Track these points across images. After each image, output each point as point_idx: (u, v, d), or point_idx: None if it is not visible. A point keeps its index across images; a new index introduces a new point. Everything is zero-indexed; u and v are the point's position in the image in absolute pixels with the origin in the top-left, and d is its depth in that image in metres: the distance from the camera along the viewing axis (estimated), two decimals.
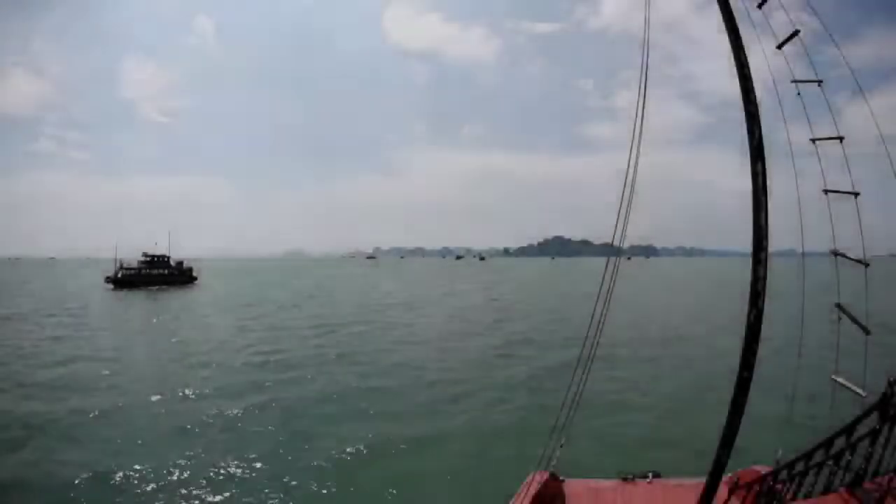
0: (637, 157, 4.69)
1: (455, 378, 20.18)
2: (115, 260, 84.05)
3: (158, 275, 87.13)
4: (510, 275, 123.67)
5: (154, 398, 17.76)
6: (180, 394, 18.22)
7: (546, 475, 6.48)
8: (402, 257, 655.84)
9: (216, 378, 20.43)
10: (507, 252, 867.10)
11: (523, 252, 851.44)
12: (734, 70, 4.07)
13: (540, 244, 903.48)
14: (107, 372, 21.93)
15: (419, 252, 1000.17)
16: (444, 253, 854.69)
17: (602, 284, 4.87)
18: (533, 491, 6.22)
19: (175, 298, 61.88)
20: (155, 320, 40.71)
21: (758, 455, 5.95)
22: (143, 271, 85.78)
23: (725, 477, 5.02)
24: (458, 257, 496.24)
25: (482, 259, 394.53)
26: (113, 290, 77.32)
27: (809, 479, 4.67)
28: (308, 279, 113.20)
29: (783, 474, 4.92)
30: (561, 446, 6.35)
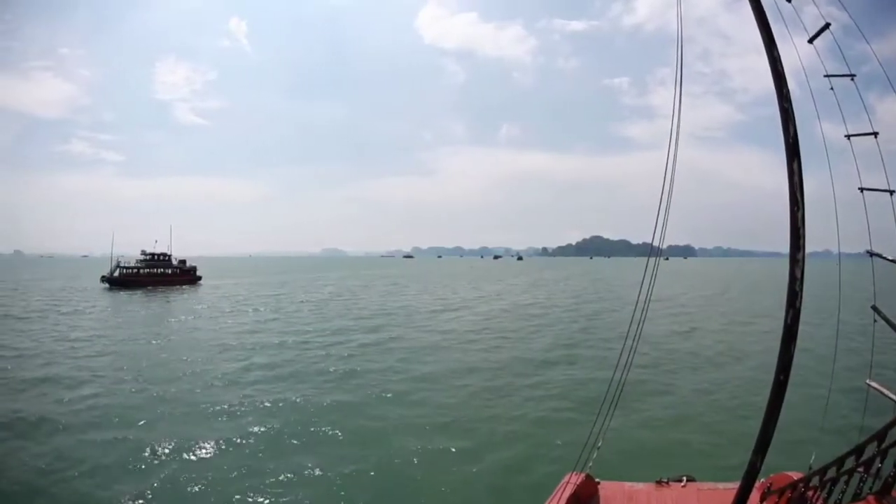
0: (675, 158, 4.78)
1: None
2: (111, 258, 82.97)
3: (159, 274, 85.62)
4: (546, 275, 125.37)
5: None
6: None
7: (582, 476, 6.61)
8: (439, 257, 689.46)
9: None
10: (545, 252, 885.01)
11: (562, 252, 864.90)
12: (766, 65, 4.16)
13: (578, 244, 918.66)
14: None
15: (458, 252, 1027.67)
16: (483, 253, 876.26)
17: (642, 285, 5.15)
18: (569, 492, 6.40)
19: (168, 298, 61.46)
20: (115, 323, 39.41)
21: (790, 460, 6.08)
22: (143, 270, 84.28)
23: (758, 482, 5.05)
24: (496, 257, 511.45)
25: (520, 259, 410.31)
26: (108, 289, 75.81)
27: (839, 485, 4.68)
28: (331, 276, 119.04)
29: (814, 480, 5.02)
30: (598, 448, 6.34)
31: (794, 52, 4.36)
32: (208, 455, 13.04)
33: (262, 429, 14.83)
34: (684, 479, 7.01)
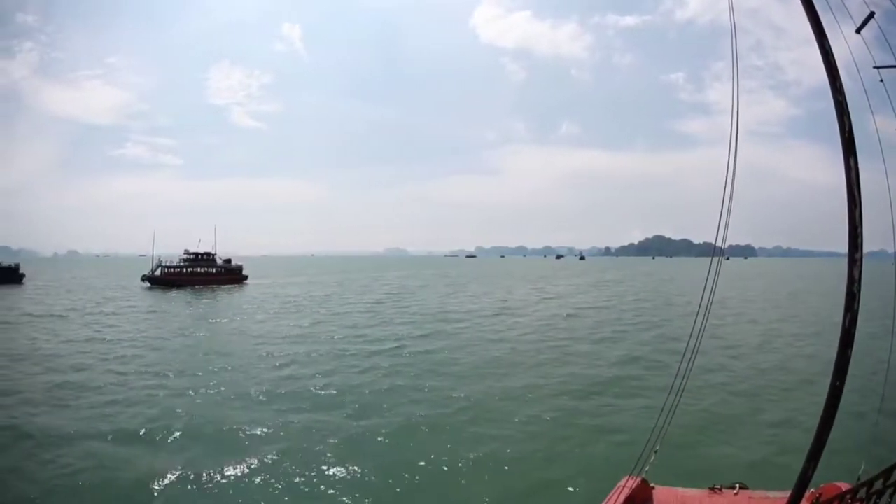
0: (735, 156, 4.82)
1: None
2: (153, 258, 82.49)
3: (203, 273, 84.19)
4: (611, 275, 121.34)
5: None
6: None
7: (638, 480, 6.74)
8: (502, 256, 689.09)
9: None
10: (608, 252, 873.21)
11: (624, 252, 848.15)
12: (816, 57, 4.15)
13: (640, 244, 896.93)
14: None
15: (520, 251, 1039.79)
16: (546, 252, 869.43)
17: (705, 287, 5.21)
18: (624, 495, 6.53)
19: (209, 298, 60.87)
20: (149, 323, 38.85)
21: (838, 471, 6.15)
22: (186, 270, 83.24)
23: (808, 492, 5.18)
24: (559, 257, 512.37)
25: (582, 259, 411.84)
26: (149, 288, 75.38)
27: (885, 498, 4.70)
28: (390, 275, 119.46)
29: (862, 492, 4.96)
30: (655, 452, 6.59)
31: (842, 42, 4.36)
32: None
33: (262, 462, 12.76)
34: (737, 486, 7.02)
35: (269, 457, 12.73)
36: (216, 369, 22.15)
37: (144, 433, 14.50)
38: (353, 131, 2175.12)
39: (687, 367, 5.43)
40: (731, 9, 4.88)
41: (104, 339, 30.69)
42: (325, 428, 14.74)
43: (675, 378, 5.63)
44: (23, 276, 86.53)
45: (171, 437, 14.21)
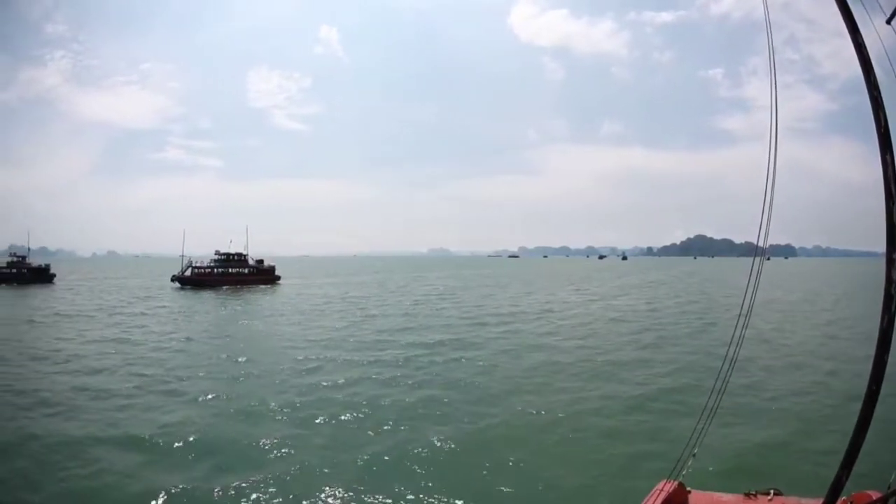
0: (775, 154, 4.77)
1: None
2: (182, 258, 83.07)
3: (234, 274, 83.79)
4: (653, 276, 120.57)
5: None
6: None
7: (675, 485, 6.76)
8: (545, 256, 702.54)
9: None
10: (650, 252, 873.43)
11: (666, 252, 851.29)
12: (849, 49, 4.12)
13: (682, 244, 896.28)
14: None
15: (563, 251, 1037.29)
16: (589, 252, 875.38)
17: (747, 288, 5.16)
18: (660, 499, 6.53)
19: (238, 298, 60.38)
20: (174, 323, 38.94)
21: (872, 478, 6.27)
22: (217, 270, 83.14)
23: (840, 499, 5.02)
24: (601, 257, 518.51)
25: (624, 259, 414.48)
26: (178, 289, 75.52)
27: None
28: (431, 276, 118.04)
29: (892, 501, 5.08)
30: (693, 456, 6.65)
31: (873, 34, 4.27)
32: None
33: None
34: (772, 492, 6.95)
35: (279, 475, 11.91)
36: (238, 375, 21.34)
37: (155, 442, 13.91)
38: (396, 132, 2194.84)
39: (727, 370, 5.45)
40: (766, 5, 4.86)
41: (128, 339, 30.35)
42: (344, 446, 13.65)
43: (716, 380, 5.68)
44: (53, 275, 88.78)
45: (182, 448, 13.59)
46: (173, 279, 79.89)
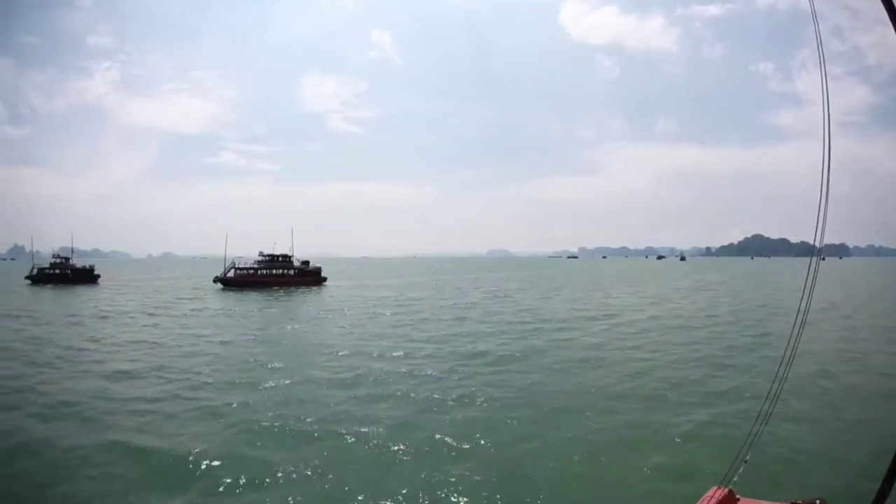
0: (829, 150, 4.79)
1: None
2: (225, 259, 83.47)
3: (279, 275, 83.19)
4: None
5: None
6: None
7: (725, 492, 6.29)
8: (604, 257, 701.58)
9: None
10: (708, 252, 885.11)
11: (724, 252, 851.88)
12: (892, 39, 3.89)
13: (740, 243, 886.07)
14: None
15: (622, 252, 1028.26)
16: (648, 253, 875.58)
17: (804, 289, 5.18)
18: None
19: (284, 300, 59.88)
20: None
21: None
22: (261, 271, 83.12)
23: None
24: (660, 257, 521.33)
25: (683, 259, 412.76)
26: (221, 290, 75.69)
27: None
28: (488, 277, 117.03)
29: None
30: (745, 462, 6.40)
31: None
32: None
33: None
34: (817, 501, 6.42)
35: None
36: (267, 385, 19.99)
37: (162, 459, 13.04)
38: (454, 133, 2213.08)
39: (783, 374, 5.49)
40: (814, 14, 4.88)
41: (159, 342, 30.15)
42: (369, 475, 12.14)
43: (772, 384, 5.69)
44: (97, 276, 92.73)
45: (192, 467, 12.58)
46: (215, 280, 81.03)
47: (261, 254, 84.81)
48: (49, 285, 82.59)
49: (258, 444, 14.10)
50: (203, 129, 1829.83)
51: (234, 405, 17.39)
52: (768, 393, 5.70)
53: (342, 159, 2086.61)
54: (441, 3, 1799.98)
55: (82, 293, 69.52)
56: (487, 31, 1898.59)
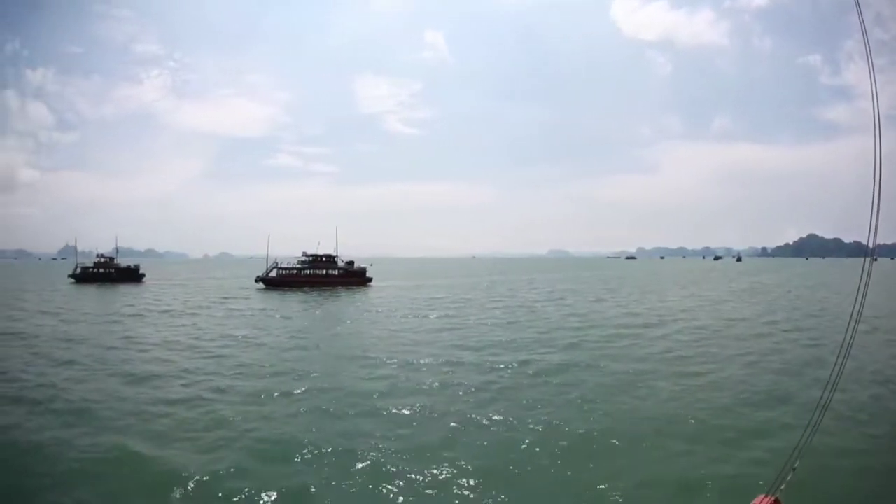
0: (880, 146, 4.70)
1: None
2: (267, 259, 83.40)
3: (323, 275, 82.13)
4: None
5: None
6: None
7: (771, 500, 6.17)
8: (661, 258, 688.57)
9: None
10: (764, 252, 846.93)
11: (780, 252, 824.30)
12: None
13: (795, 244, 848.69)
14: None
15: (680, 252, 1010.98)
16: (705, 253, 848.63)
17: (858, 291, 5.05)
18: None
19: (326, 301, 58.40)
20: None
21: None
22: (304, 271, 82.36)
23: None
24: (717, 258, 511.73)
25: (739, 260, 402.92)
26: (263, 290, 75.35)
27: None
28: (544, 277, 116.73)
29: None
30: (793, 470, 6.19)
31: None
32: None
33: None
34: None
35: None
36: (294, 396, 18.66)
37: (166, 473, 12.37)
38: (511, 132, 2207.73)
39: (834, 381, 5.45)
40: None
41: (188, 342, 29.90)
42: None
43: (823, 391, 5.68)
44: (142, 275, 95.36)
45: (183, 479, 11.95)
46: (257, 280, 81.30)
47: (304, 254, 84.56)
48: (93, 284, 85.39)
49: (263, 459, 13.21)
50: (259, 132, 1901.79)
51: (250, 415, 16.52)
52: (819, 401, 5.70)
53: (399, 160, 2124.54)
54: (491, 2, 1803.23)
55: (124, 291, 71.86)
56: (539, 28, 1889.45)
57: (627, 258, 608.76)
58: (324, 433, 15.29)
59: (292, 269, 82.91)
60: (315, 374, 22.45)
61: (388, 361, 24.70)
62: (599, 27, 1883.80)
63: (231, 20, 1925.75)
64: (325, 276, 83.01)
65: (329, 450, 13.96)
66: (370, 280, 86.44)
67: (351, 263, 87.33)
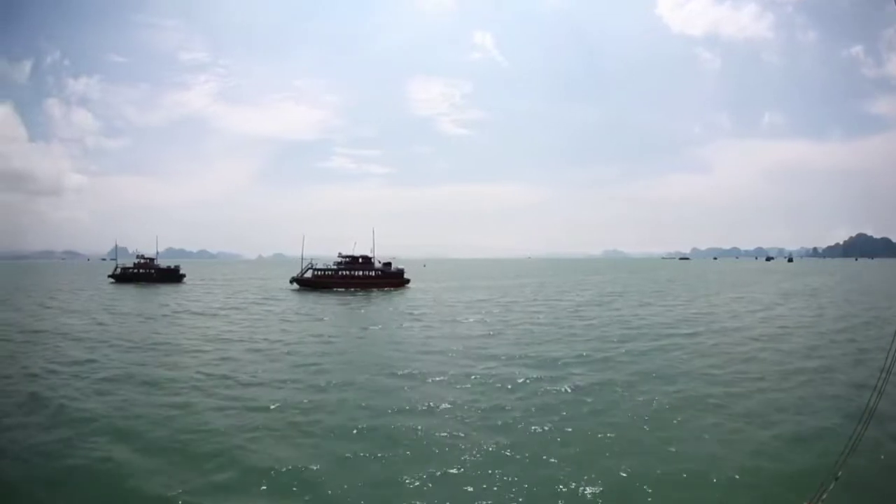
0: None
1: None
2: (302, 259, 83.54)
3: (360, 276, 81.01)
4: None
5: None
6: None
7: None
8: (714, 258, 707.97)
9: None
10: (815, 252, 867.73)
11: (830, 253, 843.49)
12: None
13: (845, 244, 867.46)
14: None
15: (733, 252, 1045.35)
16: (757, 254, 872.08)
17: None
18: None
19: (361, 303, 57.49)
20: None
21: None
22: (341, 272, 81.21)
23: None
24: (769, 258, 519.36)
25: (790, 260, 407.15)
26: (297, 290, 75.62)
27: None
28: (593, 279, 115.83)
29: None
30: (836, 479, 6.03)
31: None
32: None
33: None
34: None
35: None
36: (300, 403, 18.07)
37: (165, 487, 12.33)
38: (564, 132, 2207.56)
39: (879, 389, 5.33)
40: None
41: (214, 340, 30.49)
42: None
43: (868, 400, 5.59)
44: (183, 276, 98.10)
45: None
46: (292, 281, 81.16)
47: (340, 254, 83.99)
48: (132, 284, 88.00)
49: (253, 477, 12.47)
50: (311, 135, 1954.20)
51: (257, 425, 15.95)
52: (864, 410, 5.63)
53: (453, 161, 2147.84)
54: (538, 1, 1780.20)
55: (160, 291, 73.38)
56: (586, 26, 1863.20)
57: (681, 259, 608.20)
58: (308, 455, 13.89)
59: (327, 269, 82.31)
60: (328, 383, 21.17)
61: (406, 377, 22.33)
62: (646, 22, 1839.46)
63: (277, 26, 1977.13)
64: (360, 277, 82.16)
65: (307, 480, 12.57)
66: (408, 281, 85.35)
67: (388, 265, 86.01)
